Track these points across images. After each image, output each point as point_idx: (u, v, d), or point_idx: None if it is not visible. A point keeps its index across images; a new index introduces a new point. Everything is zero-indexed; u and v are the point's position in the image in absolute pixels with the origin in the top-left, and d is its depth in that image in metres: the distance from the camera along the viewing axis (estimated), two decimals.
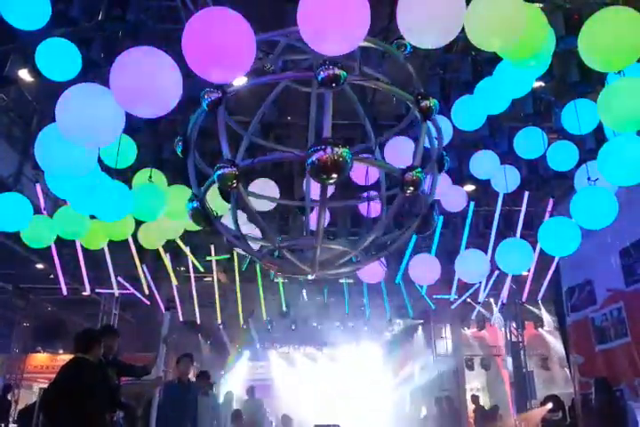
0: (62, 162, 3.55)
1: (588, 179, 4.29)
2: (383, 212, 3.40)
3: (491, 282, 10.33)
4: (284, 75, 3.30)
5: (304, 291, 12.04)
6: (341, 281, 12.05)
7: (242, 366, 17.84)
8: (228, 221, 3.42)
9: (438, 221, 3.07)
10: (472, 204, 7.99)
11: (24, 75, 6.01)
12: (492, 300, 13.10)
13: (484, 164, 5.31)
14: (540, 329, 14.69)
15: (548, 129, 6.03)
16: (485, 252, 5.68)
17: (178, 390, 6.01)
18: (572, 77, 6.14)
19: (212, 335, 15.17)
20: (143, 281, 10.13)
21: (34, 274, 11.26)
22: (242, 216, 3.61)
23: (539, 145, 4.90)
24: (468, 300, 11.93)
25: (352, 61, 2.94)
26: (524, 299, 11.23)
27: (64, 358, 11.83)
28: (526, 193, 8.01)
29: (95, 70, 5.38)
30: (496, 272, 9.41)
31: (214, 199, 3.05)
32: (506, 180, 5.23)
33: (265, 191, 4.20)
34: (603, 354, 6.82)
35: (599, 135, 5.17)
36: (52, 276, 10.05)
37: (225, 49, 2.51)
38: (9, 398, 11.37)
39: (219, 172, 2.57)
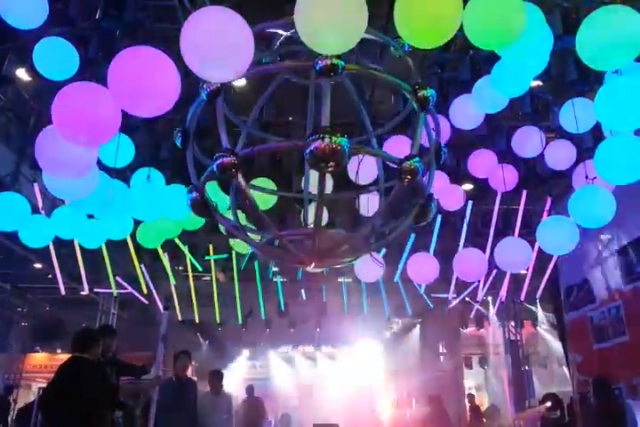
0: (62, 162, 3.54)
1: (586, 177, 4.30)
2: (381, 203, 3.41)
3: (489, 281, 10.35)
4: (282, 64, 3.30)
5: (302, 290, 12.06)
6: (340, 280, 12.07)
7: (241, 366, 17.84)
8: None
9: (435, 211, 3.08)
10: (470, 203, 8.00)
11: (21, 74, 6.01)
12: (489, 299, 13.14)
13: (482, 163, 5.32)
14: (537, 328, 14.71)
15: (545, 128, 6.05)
16: (484, 251, 5.69)
17: (174, 387, 5.97)
18: (569, 76, 6.15)
19: (210, 335, 15.16)
20: (141, 281, 10.14)
21: (32, 274, 11.25)
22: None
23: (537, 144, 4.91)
24: (467, 298, 11.95)
25: (351, 54, 2.95)
26: (522, 298, 11.25)
27: (62, 357, 11.80)
28: (524, 192, 8.02)
29: (93, 69, 5.38)
30: (494, 271, 9.45)
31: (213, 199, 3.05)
32: (504, 178, 5.24)
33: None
34: (601, 353, 6.84)
35: (597, 134, 5.18)
36: (50, 275, 10.04)
37: (224, 47, 2.50)
38: (9, 399, 11.36)
39: (218, 161, 2.58)
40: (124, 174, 4.83)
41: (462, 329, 14.49)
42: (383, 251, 8.24)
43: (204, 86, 2.74)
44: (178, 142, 3.03)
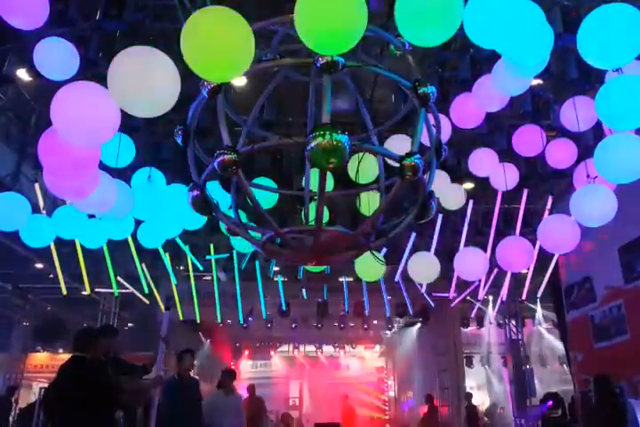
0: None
1: (588, 176, 4.30)
2: (382, 201, 3.40)
3: (490, 280, 10.35)
4: (283, 61, 3.30)
5: (303, 290, 12.05)
6: (341, 280, 12.06)
7: (242, 365, 17.86)
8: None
9: (436, 209, 3.07)
10: (471, 201, 8.00)
11: (22, 74, 6.00)
12: (490, 298, 13.14)
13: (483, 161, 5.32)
14: (538, 326, 14.72)
15: (546, 126, 6.04)
16: (485, 250, 5.69)
17: (177, 387, 5.94)
18: (570, 75, 6.13)
19: (211, 334, 15.17)
20: (143, 280, 10.14)
21: (33, 273, 11.26)
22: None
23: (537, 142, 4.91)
24: (468, 298, 11.94)
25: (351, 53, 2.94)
26: (523, 297, 11.24)
27: (64, 357, 11.82)
28: (525, 190, 8.01)
29: (93, 69, 5.38)
30: (495, 270, 9.44)
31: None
32: (505, 177, 5.24)
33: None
34: (602, 351, 6.84)
35: (598, 133, 5.17)
36: (51, 275, 10.05)
37: (224, 48, 2.50)
38: (11, 400, 11.35)
39: (219, 158, 2.58)
40: (125, 174, 4.83)
41: (463, 328, 14.50)
42: (384, 250, 8.24)
43: (205, 83, 2.74)
44: (179, 140, 3.03)
